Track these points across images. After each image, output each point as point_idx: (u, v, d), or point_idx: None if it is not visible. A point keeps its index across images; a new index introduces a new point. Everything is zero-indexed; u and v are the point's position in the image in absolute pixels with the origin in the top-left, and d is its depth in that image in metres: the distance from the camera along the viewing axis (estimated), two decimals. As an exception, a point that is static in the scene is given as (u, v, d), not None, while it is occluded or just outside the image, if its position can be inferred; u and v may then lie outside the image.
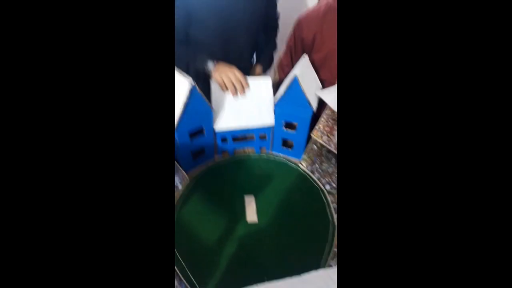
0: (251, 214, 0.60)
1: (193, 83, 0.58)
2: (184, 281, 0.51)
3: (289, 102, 0.67)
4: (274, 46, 1.01)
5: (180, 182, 0.66)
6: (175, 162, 0.67)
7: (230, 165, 0.74)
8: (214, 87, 0.72)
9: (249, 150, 0.78)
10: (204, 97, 0.62)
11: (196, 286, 0.50)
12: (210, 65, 0.74)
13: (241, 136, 0.74)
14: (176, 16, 0.76)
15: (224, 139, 0.72)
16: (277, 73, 0.96)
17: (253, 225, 0.60)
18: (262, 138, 0.75)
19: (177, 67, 0.62)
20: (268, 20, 0.94)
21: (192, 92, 0.58)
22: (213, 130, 0.69)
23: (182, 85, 0.59)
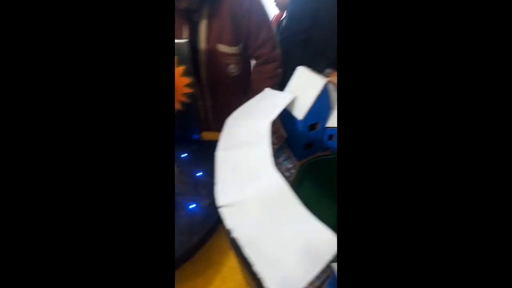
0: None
1: (325, 80, 0.65)
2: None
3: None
4: None
5: (292, 166, 0.73)
6: (289, 150, 0.75)
7: (332, 161, 0.80)
8: (329, 88, 0.79)
9: (349, 151, 0.83)
10: (330, 95, 0.69)
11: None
12: (328, 70, 0.83)
13: (345, 137, 0.80)
14: (302, 18, 0.87)
15: (331, 136, 0.79)
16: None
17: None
18: (366, 141, 0.80)
19: (298, 65, 0.72)
20: None
21: (324, 88, 0.66)
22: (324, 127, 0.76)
23: (315, 81, 0.67)
